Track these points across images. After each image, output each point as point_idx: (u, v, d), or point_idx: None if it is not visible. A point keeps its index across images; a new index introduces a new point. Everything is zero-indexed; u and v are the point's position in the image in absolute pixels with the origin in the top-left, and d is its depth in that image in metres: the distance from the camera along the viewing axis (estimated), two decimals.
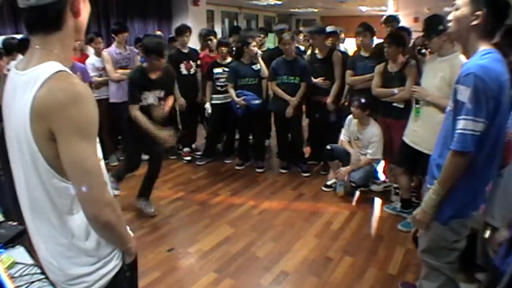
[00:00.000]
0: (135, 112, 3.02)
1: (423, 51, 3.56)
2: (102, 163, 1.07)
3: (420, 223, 1.68)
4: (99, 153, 1.06)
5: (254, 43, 4.21)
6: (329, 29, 4.49)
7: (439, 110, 2.71)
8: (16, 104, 0.97)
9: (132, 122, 3.05)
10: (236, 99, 4.10)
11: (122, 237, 1.12)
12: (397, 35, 3.52)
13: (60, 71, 0.95)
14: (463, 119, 1.43)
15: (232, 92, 4.15)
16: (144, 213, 3.34)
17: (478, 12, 1.43)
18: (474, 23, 1.45)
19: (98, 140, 1.05)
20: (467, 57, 1.55)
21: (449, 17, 1.54)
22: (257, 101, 4.10)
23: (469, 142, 1.43)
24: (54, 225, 1.05)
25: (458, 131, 1.45)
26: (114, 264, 1.14)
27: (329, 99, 4.00)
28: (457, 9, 1.51)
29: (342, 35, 5.87)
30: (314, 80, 4.08)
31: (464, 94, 1.43)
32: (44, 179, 0.99)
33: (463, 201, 1.60)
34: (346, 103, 4.21)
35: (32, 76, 0.94)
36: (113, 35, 4.31)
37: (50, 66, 0.95)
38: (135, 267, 1.29)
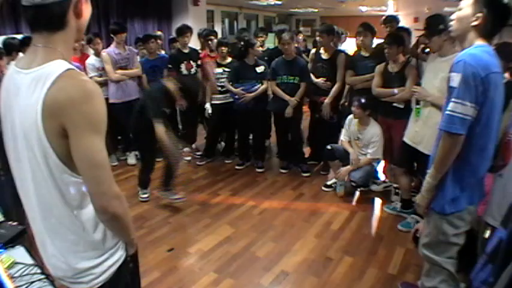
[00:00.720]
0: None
1: (427, 50, 3.56)
2: None
3: (419, 206, 1.78)
4: None
5: (258, 43, 4.22)
6: None
7: (439, 110, 2.71)
8: (22, 102, 0.99)
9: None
10: (234, 90, 4.14)
11: (127, 228, 1.16)
12: (397, 35, 3.52)
13: (70, 69, 0.98)
14: (452, 101, 1.51)
15: (230, 87, 4.19)
16: (172, 205, 3.51)
17: (479, 14, 1.51)
18: (474, 23, 1.53)
19: None
20: None
21: (453, 17, 1.62)
22: (256, 87, 4.17)
23: (458, 124, 1.50)
24: (63, 220, 1.07)
25: (447, 112, 1.53)
26: (119, 255, 1.18)
27: (327, 100, 4.00)
28: (460, 9, 1.57)
29: (345, 37, 5.88)
30: (315, 80, 4.08)
31: (455, 80, 1.51)
32: (55, 175, 1.02)
33: (457, 192, 1.64)
34: (346, 103, 4.21)
35: (42, 74, 0.96)
36: (112, 35, 4.31)
37: (59, 64, 0.97)
38: (137, 259, 1.33)
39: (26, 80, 0.98)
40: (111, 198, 1.02)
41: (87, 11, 1.06)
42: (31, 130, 0.97)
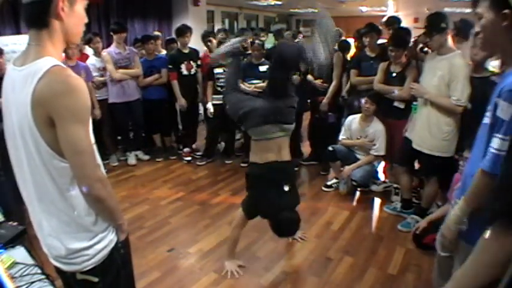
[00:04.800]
0: None
1: (425, 49, 3.56)
2: (95, 147, 1.17)
3: (445, 239, 1.55)
4: (92, 138, 1.16)
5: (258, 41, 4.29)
6: None
7: (438, 110, 2.71)
8: (17, 97, 1.08)
9: None
10: (248, 89, 4.12)
11: (113, 211, 1.24)
12: (401, 37, 3.49)
13: (56, 65, 1.07)
14: (500, 138, 1.25)
15: (243, 86, 4.19)
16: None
17: (506, 11, 1.25)
18: (505, 23, 1.27)
19: (94, 131, 1.18)
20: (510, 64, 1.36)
21: (477, 29, 1.39)
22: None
23: (499, 163, 1.26)
24: (56, 203, 1.15)
25: (492, 151, 1.27)
26: (109, 239, 1.25)
27: (324, 100, 4.02)
28: (480, 18, 1.33)
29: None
30: (313, 82, 4.10)
31: (507, 111, 1.24)
32: (46, 161, 1.11)
33: None
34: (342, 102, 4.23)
35: (31, 71, 1.06)
36: (112, 34, 4.32)
37: (47, 61, 1.07)
38: (128, 246, 1.37)
39: (20, 76, 1.08)
40: (93, 182, 1.11)
41: (72, 16, 1.12)
42: (23, 121, 1.07)
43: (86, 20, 1.19)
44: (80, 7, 1.15)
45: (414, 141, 2.89)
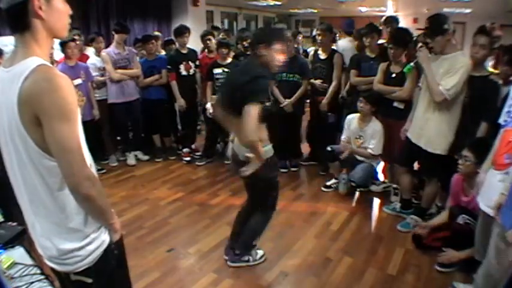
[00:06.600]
0: None
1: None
2: (84, 146, 1.16)
3: None
4: (82, 136, 1.15)
5: None
6: None
7: (438, 107, 2.70)
8: (4, 97, 1.09)
9: None
10: None
11: (103, 211, 1.22)
12: (401, 36, 3.48)
13: (42, 64, 1.08)
14: None
15: None
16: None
17: None
18: None
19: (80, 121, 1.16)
20: None
21: None
22: None
23: None
24: (46, 203, 1.15)
25: None
26: (101, 240, 1.24)
27: (324, 100, 4.02)
28: None
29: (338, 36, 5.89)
30: (313, 81, 4.10)
31: None
32: (35, 161, 1.11)
33: None
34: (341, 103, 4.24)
35: (17, 71, 1.07)
36: (114, 33, 4.32)
37: (33, 60, 1.08)
38: (122, 246, 1.36)
39: (8, 77, 1.09)
40: (82, 180, 1.09)
41: (51, 13, 1.12)
42: (11, 120, 1.08)
43: (69, 12, 1.18)
44: (59, 1, 1.14)
45: (413, 137, 2.90)
